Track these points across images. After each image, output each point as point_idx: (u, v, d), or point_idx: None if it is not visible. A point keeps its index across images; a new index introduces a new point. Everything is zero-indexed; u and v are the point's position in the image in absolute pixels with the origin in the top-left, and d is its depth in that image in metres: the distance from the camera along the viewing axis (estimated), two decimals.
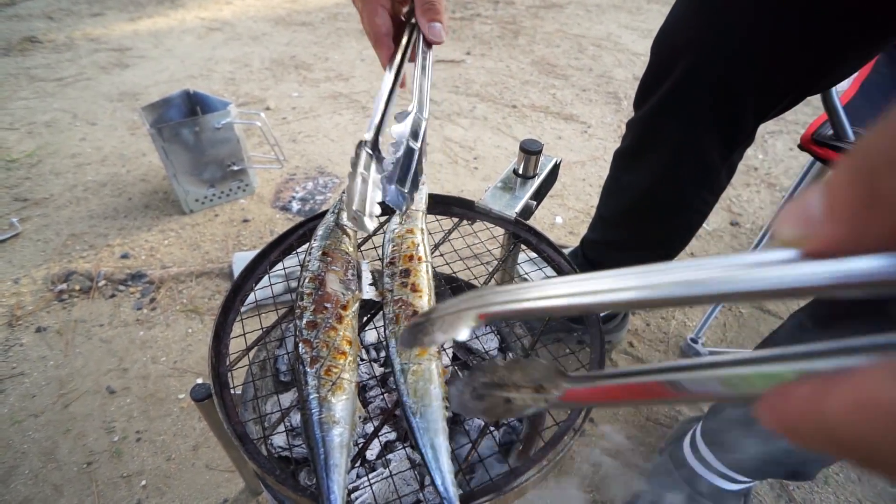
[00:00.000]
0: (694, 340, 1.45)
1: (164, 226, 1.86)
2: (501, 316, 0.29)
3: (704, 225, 1.84)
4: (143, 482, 1.18)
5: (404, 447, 0.74)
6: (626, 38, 3.30)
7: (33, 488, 1.16)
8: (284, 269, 0.79)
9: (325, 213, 0.79)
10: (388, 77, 0.56)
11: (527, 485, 0.47)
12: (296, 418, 0.80)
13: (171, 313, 1.55)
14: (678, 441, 1.13)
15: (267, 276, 0.76)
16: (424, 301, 0.63)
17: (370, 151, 0.54)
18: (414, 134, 0.55)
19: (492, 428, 0.56)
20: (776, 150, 2.28)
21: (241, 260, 1.66)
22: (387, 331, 0.61)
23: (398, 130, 0.54)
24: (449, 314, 0.26)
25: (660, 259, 1.21)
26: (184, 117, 1.91)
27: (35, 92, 2.73)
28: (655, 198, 1.08)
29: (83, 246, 1.78)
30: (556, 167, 0.91)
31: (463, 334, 0.25)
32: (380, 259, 0.74)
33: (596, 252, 1.29)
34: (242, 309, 0.73)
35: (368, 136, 0.54)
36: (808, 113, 2.56)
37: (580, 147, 2.26)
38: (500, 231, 0.90)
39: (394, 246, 0.70)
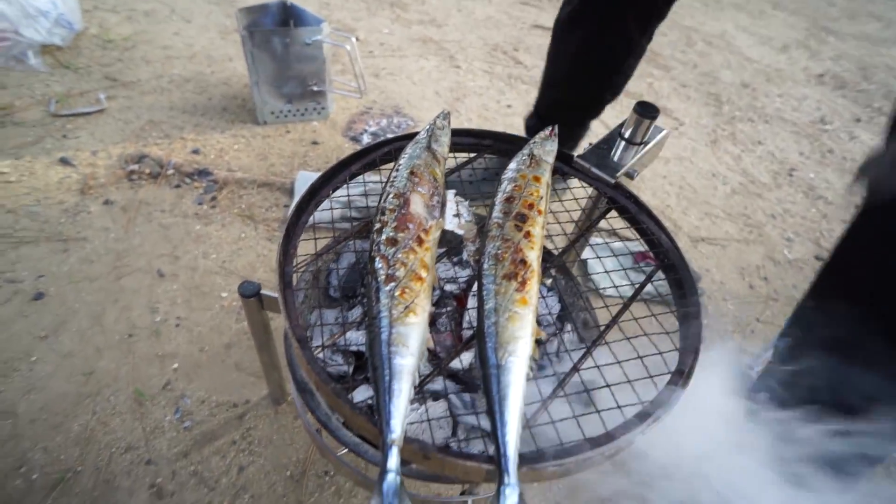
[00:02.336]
0: (750, 367, 1.35)
1: (236, 131, 1.88)
2: None
3: (785, 252, 1.70)
4: (175, 365, 1.21)
5: (447, 393, 0.71)
6: (742, 41, 3.05)
7: (78, 345, 1.21)
8: (349, 194, 0.75)
9: (414, 133, 0.74)
10: None
11: (600, 457, 0.43)
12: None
13: (229, 215, 1.57)
14: None
15: (329, 200, 0.73)
16: (534, 254, 0.58)
17: None
18: None
19: (563, 391, 0.52)
20: None
21: (304, 178, 1.65)
22: (485, 263, 0.57)
23: None
24: None
25: (593, 114, 1.47)
26: (277, 27, 1.89)
27: None
28: (589, 61, 1.35)
29: (159, 133, 1.81)
30: (663, 140, 0.83)
31: None
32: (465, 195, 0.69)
33: (546, 111, 1.56)
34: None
35: None
36: None
37: (668, 144, 2.12)
38: (581, 194, 0.84)
39: (515, 185, 0.66)
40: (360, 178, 0.81)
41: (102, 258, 1.40)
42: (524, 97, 2.30)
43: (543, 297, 0.71)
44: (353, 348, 0.76)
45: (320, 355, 0.74)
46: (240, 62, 2.19)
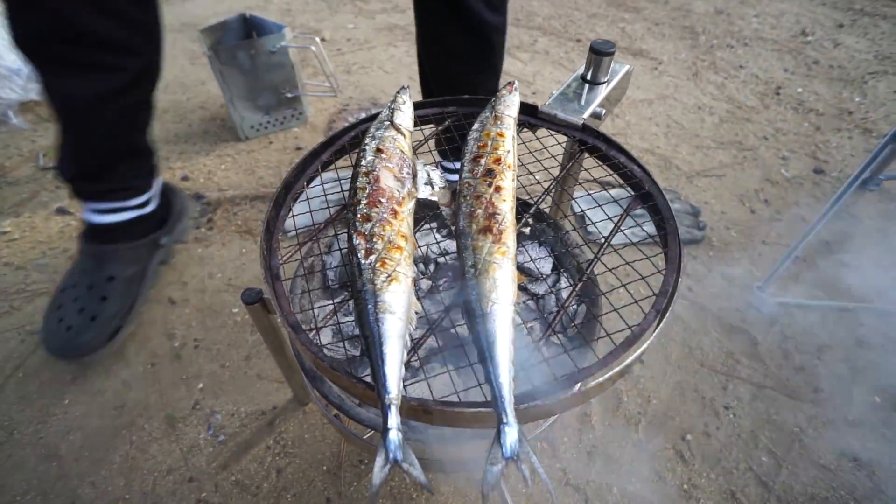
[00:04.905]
0: (760, 289, 1.35)
1: (221, 151, 1.89)
2: None
3: (783, 171, 1.68)
4: (201, 385, 1.24)
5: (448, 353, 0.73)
6: None
7: (105, 381, 1.25)
8: (325, 191, 0.76)
9: (378, 113, 0.75)
10: None
11: (588, 391, 0.44)
12: (344, 323, 0.80)
13: (227, 233, 1.59)
14: None
15: (307, 200, 0.74)
16: (507, 206, 0.59)
17: None
18: None
19: (557, 331, 0.53)
20: (877, 93, 2.02)
21: None
22: (460, 223, 0.58)
23: None
24: None
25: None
26: (240, 41, 1.90)
27: None
28: None
29: None
30: (627, 75, 0.82)
31: None
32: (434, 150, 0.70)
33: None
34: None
35: None
36: None
37: (648, 85, 2.09)
38: (558, 143, 0.84)
39: (480, 144, 0.66)
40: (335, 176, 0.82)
41: None
42: None
43: (523, 246, 0.71)
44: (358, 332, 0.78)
45: (317, 339, 0.76)
46: (212, 84, 2.20)
